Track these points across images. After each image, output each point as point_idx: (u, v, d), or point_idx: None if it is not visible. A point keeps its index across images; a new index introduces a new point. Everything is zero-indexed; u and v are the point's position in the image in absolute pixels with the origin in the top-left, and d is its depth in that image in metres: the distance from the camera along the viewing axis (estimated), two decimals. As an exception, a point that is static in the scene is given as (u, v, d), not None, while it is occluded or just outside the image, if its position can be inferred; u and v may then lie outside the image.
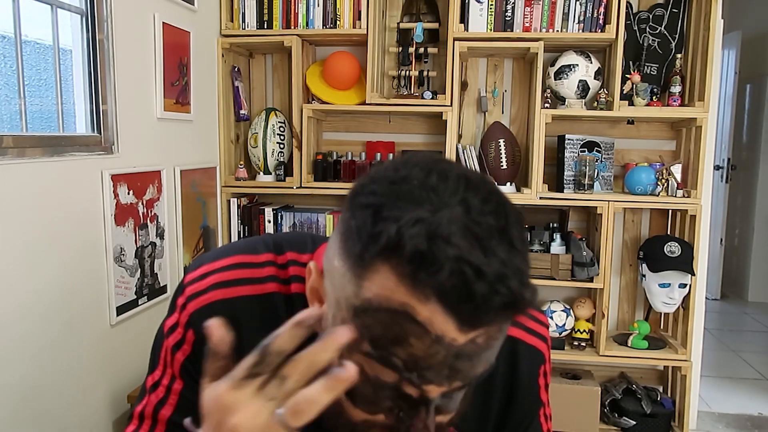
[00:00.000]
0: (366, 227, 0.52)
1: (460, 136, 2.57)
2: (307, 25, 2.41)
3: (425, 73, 2.43)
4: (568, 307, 2.46)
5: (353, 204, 0.55)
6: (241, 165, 2.51)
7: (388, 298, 0.51)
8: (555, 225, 2.50)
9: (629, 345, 2.41)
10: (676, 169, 2.34)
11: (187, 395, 0.70)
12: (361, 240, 0.52)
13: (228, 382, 0.50)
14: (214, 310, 0.68)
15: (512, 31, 2.33)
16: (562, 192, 2.40)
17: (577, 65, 2.31)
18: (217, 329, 0.53)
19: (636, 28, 2.41)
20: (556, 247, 2.40)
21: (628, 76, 2.34)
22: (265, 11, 2.42)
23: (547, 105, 2.36)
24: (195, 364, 0.70)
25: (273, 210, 2.51)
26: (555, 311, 2.43)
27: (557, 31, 2.31)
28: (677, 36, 2.42)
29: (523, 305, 0.51)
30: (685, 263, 2.27)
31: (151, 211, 1.91)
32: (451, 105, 2.36)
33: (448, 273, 0.48)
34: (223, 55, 2.42)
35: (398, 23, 2.47)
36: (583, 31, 2.30)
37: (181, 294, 0.71)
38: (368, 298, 0.52)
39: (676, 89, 2.33)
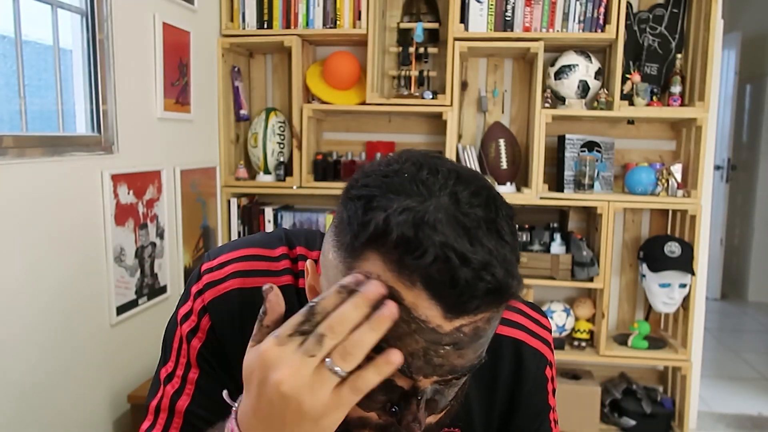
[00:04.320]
0: (357, 217, 0.54)
1: (460, 136, 2.57)
2: (307, 25, 2.41)
3: (425, 73, 2.43)
4: (568, 307, 2.46)
5: (346, 197, 0.57)
6: (241, 165, 2.51)
7: None
8: (555, 225, 2.50)
9: (629, 345, 2.41)
10: (676, 169, 2.34)
11: (204, 384, 0.71)
12: (351, 230, 0.54)
13: (272, 338, 0.51)
14: (231, 299, 0.70)
15: (512, 31, 2.33)
16: (562, 192, 2.40)
17: (577, 65, 2.31)
18: (274, 294, 0.54)
19: (636, 28, 2.41)
20: (556, 247, 2.40)
21: (628, 76, 2.34)
22: (265, 11, 2.42)
23: (547, 105, 2.36)
24: (211, 351, 0.70)
25: (273, 210, 2.51)
26: (555, 311, 2.43)
27: (557, 31, 2.31)
28: (677, 36, 2.42)
29: (507, 294, 0.52)
30: (685, 263, 2.27)
31: (151, 211, 1.91)
32: (451, 105, 2.36)
33: (433, 258, 0.49)
34: (223, 55, 2.42)
35: (398, 23, 2.47)
36: (583, 31, 2.30)
37: (198, 281, 0.72)
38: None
39: (676, 89, 2.33)
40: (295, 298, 0.71)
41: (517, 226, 0.58)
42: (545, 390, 0.79)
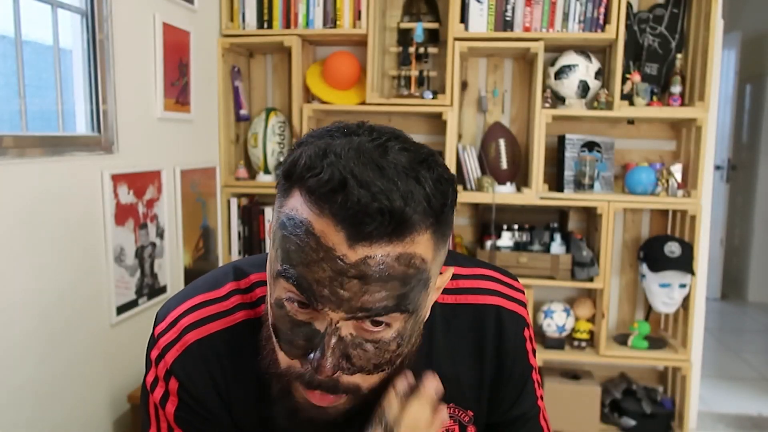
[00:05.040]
0: (285, 162, 0.58)
1: (460, 136, 2.57)
2: (307, 25, 2.41)
3: (425, 73, 2.43)
4: (568, 307, 2.46)
5: (287, 153, 0.62)
6: (241, 165, 2.51)
7: (293, 216, 0.56)
8: (555, 225, 2.50)
9: (629, 345, 2.41)
10: (676, 169, 2.34)
11: None
12: (281, 170, 0.59)
13: None
14: (192, 353, 0.69)
15: (512, 31, 2.33)
16: (562, 192, 2.40)
17: (578, 65, 2.31)
18: None
19: (636, 28, 2.41)
20: (557, 247, 2.40)
21: (628, 76, 2.34)
22: (265, 11, 2.42)
23: (547, 105, 2.36)
24: (187, 411, 0.70)
25: (273, 210, 2.51)
26: (555, 311, 2.43)
27: (557, 31, 2.31)
28: (677, 36, 2.42)
29: (404, 220, 0.53)
30: (685, 263, 2.27)
31: (151, 211, 1.91)
32: (451, 105, 2.36)
33: (329, 177, 0.52)
34: (223, 55, 2.42)
35: (398, 23, 2.47)
36: (583, 31, 2.30)
37: (155, 346, 0.71)
38: (282, 220, 0.57)
39: (676, 89, 2.32)
40: (256, 329, 0.69)
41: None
42: (525, 350, 0.80)
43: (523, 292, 0.81)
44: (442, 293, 0.74)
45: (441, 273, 0.65)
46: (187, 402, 0.70)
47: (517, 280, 0.82)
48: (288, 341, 0.59)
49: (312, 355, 0.58)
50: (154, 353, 0.71)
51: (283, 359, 0.61)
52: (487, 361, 0.76)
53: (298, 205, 0.55)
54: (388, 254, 0.54)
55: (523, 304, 0.80)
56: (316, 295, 0.55)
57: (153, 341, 0.72)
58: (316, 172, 0.53)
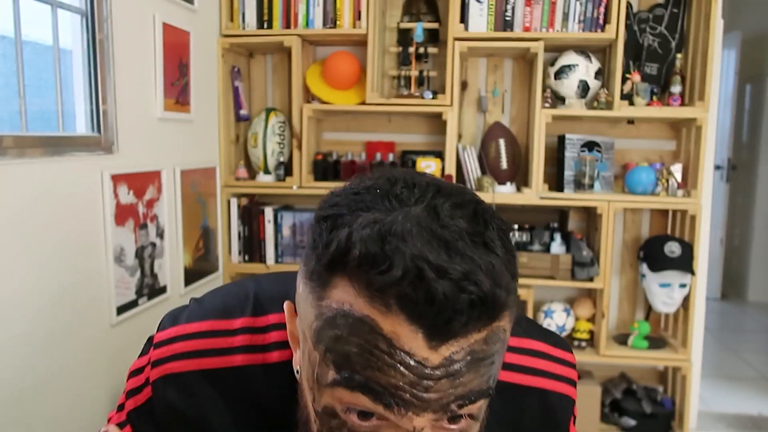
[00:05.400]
0: (321, 239, 0.48)
1: (460, 136, 2.57)
2: (307, 25, 2.41)
3: (425, 73, 2.43)
4: (568, 307, 2.46)
5: (315, 219, 0.51)
6: (241, 165, 2.52)
7: (348, 313, 0.46)
8: (555, 225, 2.50)
9: (629, 345, 2.41)
10: (676, 169, 2.34)
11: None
12: (316, 254, 0.48)
13: None
14: (172, 381, 0.66)
15: (512, 30, 2.33)
16: (562, 192, 2.40)
17: (577, 65, 2.31)
18: None
19: (636, 28, 2.41)
20: (556, 247, 2.40)
21: (628, 76, 2.34)
22: (265, 11, 2.42)
23: (547, 105, 2.36)
24: (140, 418, 0.68)
25: (273, 210, 2.51)
26: (555, 311, 2.43)
27: (557, 30, 2.31)
28: (677, 36, 2.42)
29: (498, 305, 0.45)
30: (685, 263, 2.27)
31: (151, 211, 1.91)
32: (451, 105, 2.36)
33: (402, 272, 0.43)
34: (223, 55, 2.42)
35: (398, 23, 2.47)
36: (583, 31, 2.30)
37: (147, 353, 0.69)
38: (328, 316, 0.47)
39: (676, 89, 2.33)
40: (260, 378, 0.64)
41: (514, 242, 0.51)
42: (569, 430, 0.73)
43: (574, 366, 0.72)
44: None
45: None
46: (149, 413, 0.67)
47: (569, 351, 0.73)
48: None
49: None
50: (144, 360, 0.69)
51: None
52: None
53: (350, 299, 0.45)
54: (476, 341, 0.46)
55: (573, 383, 0.71)
56: (395, 400, 0.46)
57: (149, 344, 0.70)
58: (383, 266, 0.43)
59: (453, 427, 0.49)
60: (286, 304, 0.58)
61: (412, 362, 0.44)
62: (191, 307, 0.71)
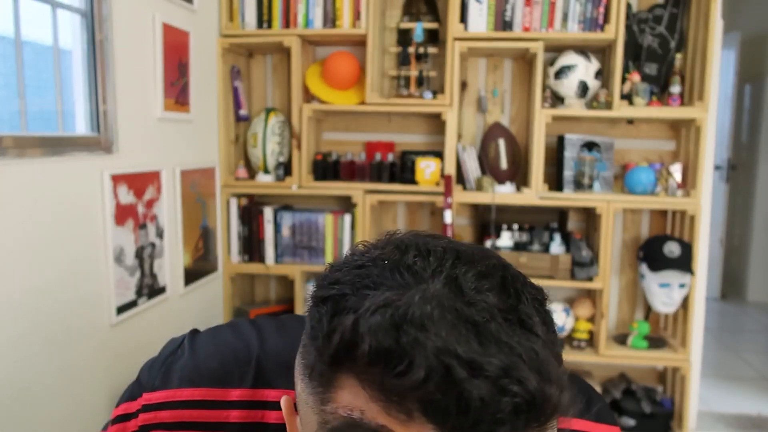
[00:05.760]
0: (321, 328, 0.39)
1: (459, 136, 2.57)
2: (306, 25, 2.41)
3: (425, 73, 2.43)
4: (568, 307, 2.46)
5: (312, 300, 0.43)
6: (240, 165, 2.52)
7: (359, 423, 0.37)
8: (555, 225, 2.50)
9: (629, 345, 2.41)
10: (676, 169, 2.35)
11: None
12: (315, 346, 0.40)
13: None
14: None
15: (512, 30, 2.33)
16: (562, 192, 2.40)
17: (577, 65, 2.31)
18: None
19: (635, 28, 2.41)
20: (556, 247, 2.40)
21: (627, 76, 2.34)
22: (265, 11, 2.42)
23: (546, 105, 2.36)
24: None
25: (273, 210, 2.51)
26: (554, 311, 2.43)
27: (557, 31, 2.32)
28: (677, 36, 2.42)
29: (548, 408, 0.35)
30: (684, 263, 2.27)
31: (150, 212, 1.91)
32: (451, 105, 2.36)
33: (426, 373, 0.34)
34: (222, 55, 2.42)
35: (398, 23, 2.47)
36: (582, 31, 2.30)
37: (135, 399, 0.65)
38: (334, 426, 0.38)
39: (675, 89, 2.33)
40: None
41: (553, 314, 0.40)
42: None
43: None
44: None
45: None
46: None
47: (614, 423, 0.63)
48: None
49: None
50: (131, 407, 0.64)
51: None
52: None
53: (361, 404, 0.37)
54: None
55: None
56: None
57: (138, 388, 0.66)
58: (401, 366, 0.34)
59: None
60: (283, 401, 0.49)
61: None
62: (185, 359, 0.64)
